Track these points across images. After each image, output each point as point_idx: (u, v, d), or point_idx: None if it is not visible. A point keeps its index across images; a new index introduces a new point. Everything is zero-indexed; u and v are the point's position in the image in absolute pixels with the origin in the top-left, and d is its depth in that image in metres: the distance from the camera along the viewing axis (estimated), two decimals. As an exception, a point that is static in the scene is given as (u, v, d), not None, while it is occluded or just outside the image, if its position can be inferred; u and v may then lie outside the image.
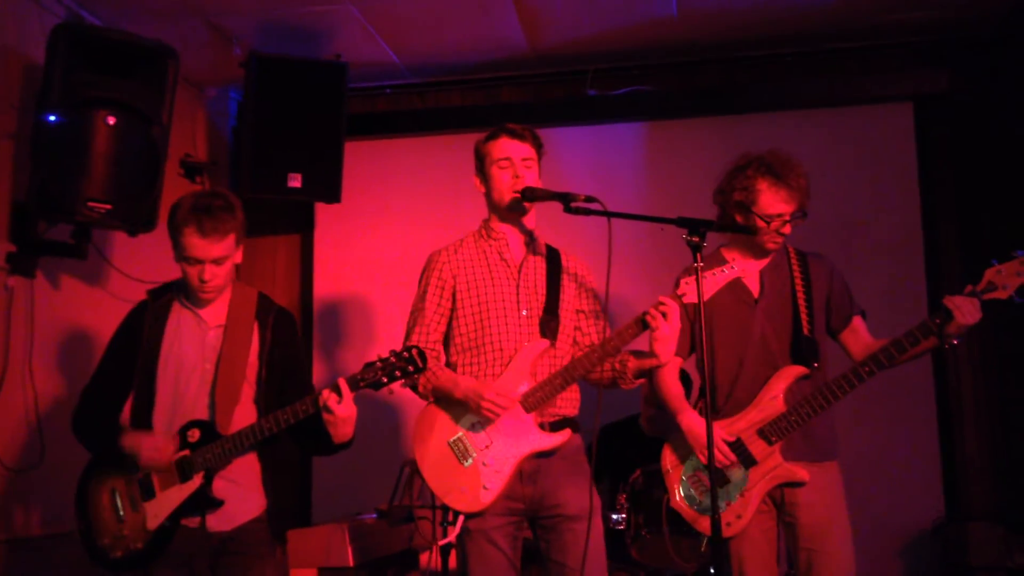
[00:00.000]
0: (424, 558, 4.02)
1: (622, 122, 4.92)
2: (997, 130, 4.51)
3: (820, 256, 3.12)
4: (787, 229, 2.99)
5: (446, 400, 2.86)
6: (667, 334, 2.71)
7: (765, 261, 3.06)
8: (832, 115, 4.68)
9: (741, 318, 3.02)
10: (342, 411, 2.65)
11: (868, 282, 3.80)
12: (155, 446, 2.71)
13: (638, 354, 2.86)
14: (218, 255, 2.77)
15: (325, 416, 2.66)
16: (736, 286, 2.96)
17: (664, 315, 2.68)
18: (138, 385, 2.81)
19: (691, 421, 2.99)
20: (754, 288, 3.05)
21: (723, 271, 2.71)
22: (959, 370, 4.47)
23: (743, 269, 2.77)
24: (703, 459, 2.92)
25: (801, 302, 3.00)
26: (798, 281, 3.04)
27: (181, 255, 2.78)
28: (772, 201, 2.95)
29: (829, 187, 4.41)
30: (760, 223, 2.96)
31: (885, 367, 2.86)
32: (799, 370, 2.94)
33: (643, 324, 2.72)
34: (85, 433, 2.85)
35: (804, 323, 2.98)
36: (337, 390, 2.64)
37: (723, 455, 2.91)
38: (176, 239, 2.77)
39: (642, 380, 2.96)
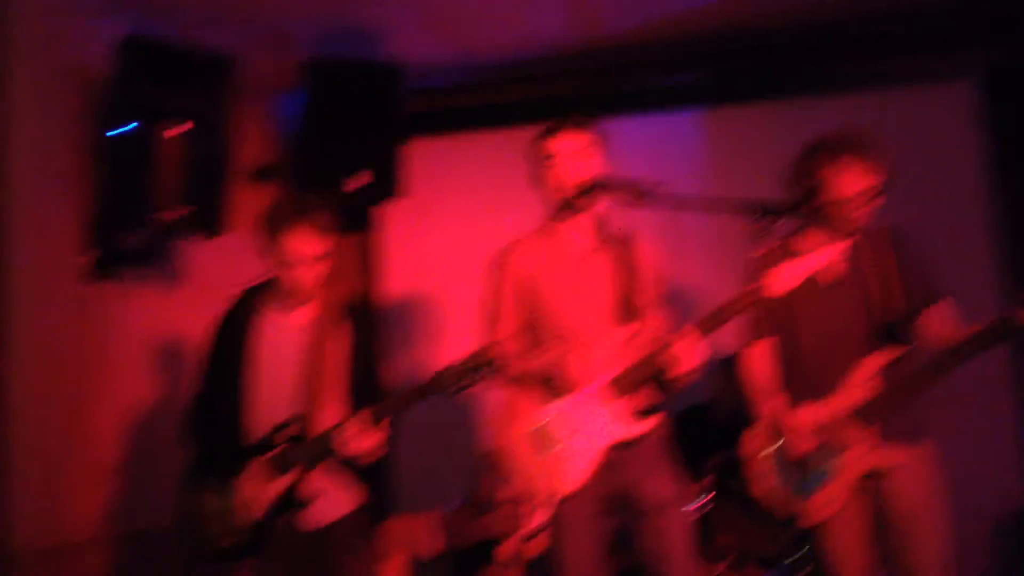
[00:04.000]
0: (509, 546, 4.04)
1: (681, 110, 4.90)
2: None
3: (903, 233, 3.03)
4: (868, 208, 2.91)
5: (527, 389, 2.88)
6: (684, 371, 2.70)
7: (846, 243, 3.00)
8: (895, 95, 4.61)
9: (821, 304, 2.98)
10: (355, 446, 2.72)
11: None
12: (255, 479, 2.80)
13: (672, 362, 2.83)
14: (322, 252, 2.84)
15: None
16: (816, 272, 2.93)
17: (677, 356, 2.67)
18: (232, 388, 2.88)
19: (775, 407, 2.97)
20: (835, 271, 3.01)
21: (802, 261, 2.66)
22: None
23: (822, 254, 2.73)
24: (788, 445, 2.90)
25: (886, 282, 2.95)
26: (881, 260, 2.98)
27: (285, 255, 2.83)
28: (851, 180, 2.87)
29: (893, 172, 4.37)
30: (838, 205, 2.90)
31: (963, 364, 2.77)
32: (889, 352, 2.89)
33: (662, 354, 2.70)
34: (197, 442, 2.94)
35: (890, 304, 2.94)
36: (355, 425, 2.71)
37: (808, 441, 2.89)
38: (276, 241, 2.83)
39: (694, 380, 2.93)
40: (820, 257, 2.67)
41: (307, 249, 2.82)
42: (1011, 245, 4.46)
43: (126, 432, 3.78)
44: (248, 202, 3.65)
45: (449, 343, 4.75)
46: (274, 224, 2.85)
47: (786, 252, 2.70)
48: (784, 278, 2.62)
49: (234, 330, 2.92)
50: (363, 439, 2.70)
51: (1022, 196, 4.51)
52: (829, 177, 2.90)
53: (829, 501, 2.89)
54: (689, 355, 2.69)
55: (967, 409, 4.26)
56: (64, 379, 3.44)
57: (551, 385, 2.84)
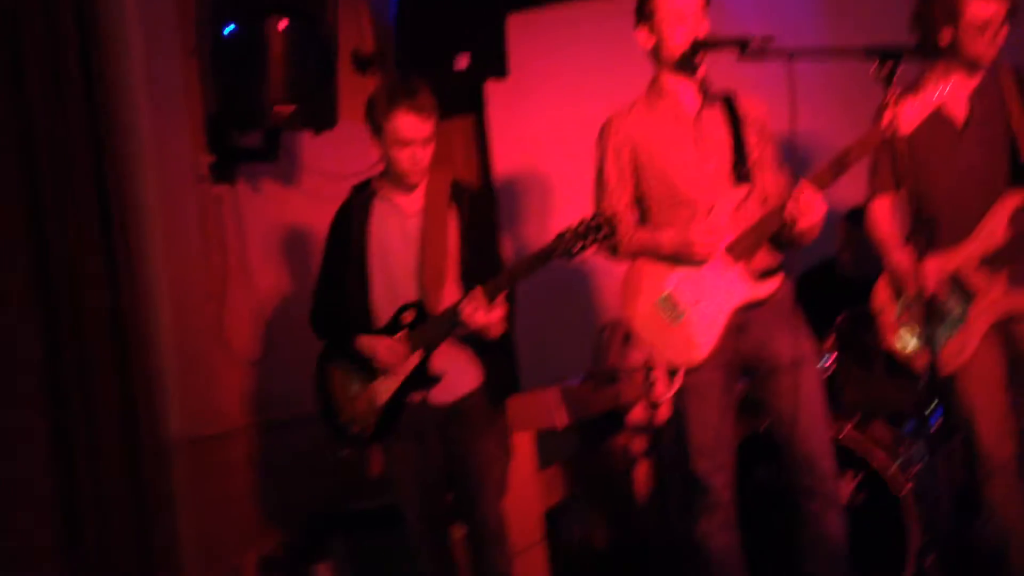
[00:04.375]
0: (633, 415, 4.12)
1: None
2: None
3: None
4: (1001, 36, 2.75)
5: (650, 260, 2.86)
6: (805, 228, 2.64)
7: (974, 82, 2.85)
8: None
9: (949, 149, 2.86)
10: (478, 319, 2.75)
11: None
12: (391, 349, 2.87)
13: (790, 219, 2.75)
14: (428, 134, 2.87)
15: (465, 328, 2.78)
16: (943, 114, 2.79)
17: (798, 210, 2.60)
18: (352, 279, 2.96)
19: (902, 257, 2.89)
20: (962, 114, 2.86)
21: (926, 98, 2.55)
22: None
23: (949, 95, 2.59)
24: (918, 295, 2.82)
25: (1016, 121, 2.80)
26: (1013, 100, 2.82)
27: (391, 139, 2.86)
28: (981, 6, 2.72)
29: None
30: (966, 36, 2.75)
31: None
32: (1021, 195, 2.77)
33: (781, 215, 2.64)
34: (326, 331, 3.06)
35: (1021, 144, 2.79)
36: (472, 300, 2.74)
37: (939, 290, 2.81)
38: (382, 125, 2.87)
39: (814, 237, 2.86)
40: (944, 91, 2.54)
41: (410, 132, 2.84)
42: None
43: (263, 324, 3.95)
44: (357, 92, 3.66)
45: (560, 220, 4.73)
46: (377, 110, 2.88)
47: (909, 94, 2.58)
48: (908, 116, 2.51)
49: (351, 222, 2.99)
50: (488, 312, 2.73)
51: None
52: (955, 6, 2.74)
53: (961, 350, 2.84)
54: (808, 210, 2.62)
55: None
56: (198, 279, 3.59)
57: (670, 259, 2.82)
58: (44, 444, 2.92)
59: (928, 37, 2.84)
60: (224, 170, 3.92)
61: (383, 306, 2.93)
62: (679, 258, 2.81)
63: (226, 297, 3.79)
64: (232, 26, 3.72)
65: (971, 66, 2.82)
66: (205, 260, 3.66)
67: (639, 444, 4.15)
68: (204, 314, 3.61)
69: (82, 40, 3.16)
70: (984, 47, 2.77)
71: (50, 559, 2.90)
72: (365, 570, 3.55)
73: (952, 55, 2.80)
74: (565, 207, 4.81)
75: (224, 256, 3.82)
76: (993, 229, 2.79)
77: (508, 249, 4.93)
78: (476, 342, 2.92)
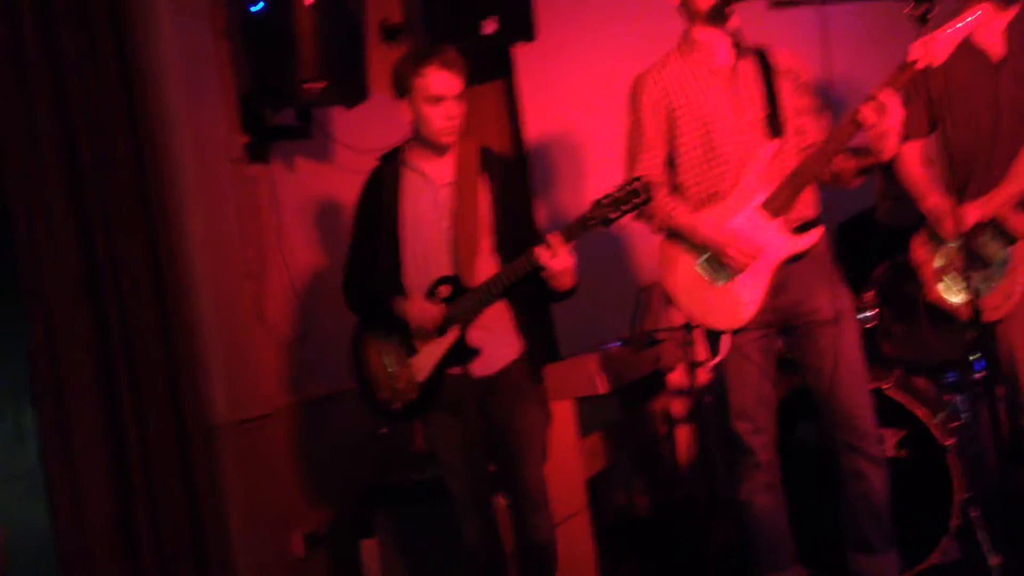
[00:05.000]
0: (673, 378, 4.12)
1: None
2: None
3: None
4: None
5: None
6: (884, 130, 2.59)
7: (1011, 14, 2.76)
8: None
9: (984, 86, 2.80)
10: (557, 264, 2.70)
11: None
12: (423, 311, 2.87)
13: (857, 151, 2.73)
14: (460, 90, 2.85)
15: (542, 273, 2.73)
16: (975, 51, 2.72)
17: (880, 109, 2.53)
18: (384, 250, 2.96)
19: (938, 202, 2.85)
20: (999, 48, 2.79)
21: (958, 25, 2.49)
22: None
23: (983, 28, 2.53)
24: (958, 243, 2.78)
25: None
26: None
27: (423, 97, 2.84)
28: None
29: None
30: None
31: None
32: None
33: (856, 123, 2.57)
34: (358, 304, 3.07)
35: None
36: (549, 245, 2.69)
37: (979, 236, 2.76)
38: (412, 84, 2.85)
39: (864, 178, 2.83)
40: (972, 20, 2.50)
41: (442, 87, 2.83)
42: None
43: (301, 302, 3.98)
44: (384, 65, 3.66)
45: (594, 184, 4.72)
46: (407, 70, 2.87)
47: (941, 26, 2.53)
48: (939, 44, 2.46)
49: (380, 193, 2.98)
50: (562, 257, 2.71)
51: None
52: None
53: (1008, 296, 2.79)
54: (891, 111, 2.56)
55: None
56: (236, 259, 3.61)
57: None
58: (96, 432, 2.97)
59: None
60: (259, 150, 3.95)
61: (416, 278, 2.92)
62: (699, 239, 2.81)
63: (264, 278, 3.82)
64: (260, 3, 3.73)
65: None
66: (243, 241, 3.68)
67: (680, 407, 4.16)
68: (244, 296, 3.64)
69: (115, 26, 3.18)
70: None
71: (107, 544, 2.96)
72: (411, 543, 3.60)
73: None
74: (599, 169, 4.78)
75: (261, 236, 3.85)
76: None
77: (542, 214, 4.93)
78: (516, 310, 2.93)
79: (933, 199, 2.90)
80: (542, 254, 2.70)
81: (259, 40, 3.75)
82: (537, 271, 2.75)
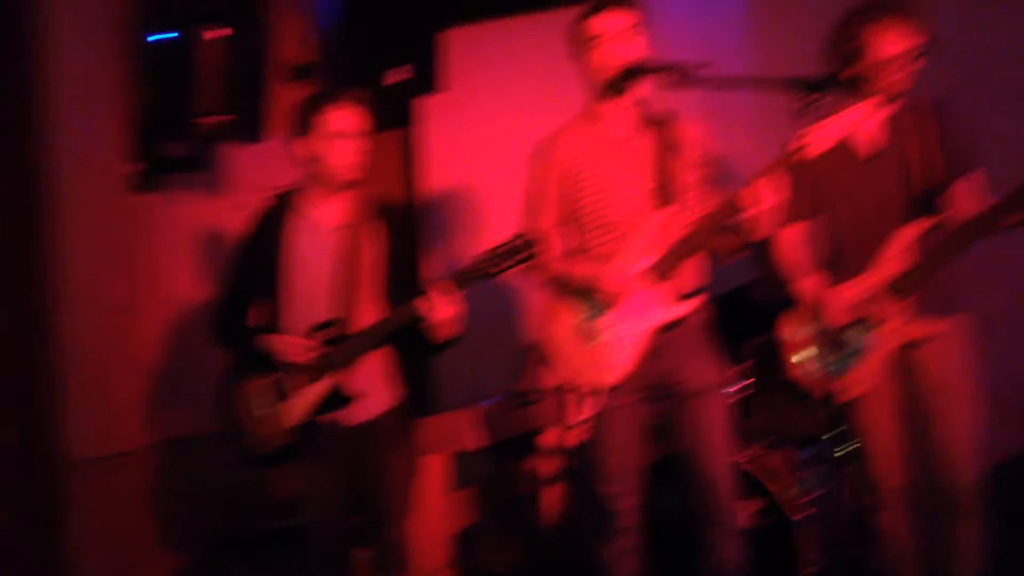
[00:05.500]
0: (547, 438, 4.16)
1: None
2: None
3: (946, 102, 2.95)
4: (911, 70, 2.83)
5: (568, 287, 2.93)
6: (757, 215, 2.69)
7: (885, 112, 2.93)
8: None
9: (853, 178, 2.95)
10: (438, 315, 2.74)
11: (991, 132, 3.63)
12: (295, 345, 2.86)
13: (734, 231, 2.84)
14: (363, 128, 2.88)
15: (424, 322, 2.76)
16: (847, 146, 2.87)
17: (756, 197, 2.66)
18: (264, 290, 2.95)
19: (810, 286, 2.97)
20: (868, 144, 2.95)
21: (837, 125, 2.63)
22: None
23: (859, 125, 2.68)
24: (825, 323, 2.91)
25: (924, 152, 2.89)
26: (918, 131, 2.91)
27: (323, 133, 2.86)
28: (891, 40, 2.80)
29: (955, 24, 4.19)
30: (879, 68, 2.82)
31: (991, 231, 2.73)
32: (919, 226, 2.85)
33: (732, 206, 2.69)
34: (225, 340, 3.03)
35: (929, 174, 2.88)
36: (433, 296, 2.73)
37: (845, 318, 2.89)
38: (314, 121, 2.86)
39: (738, 258, 2.94)
40: (856, 116, 2.63)
41: (344, 123, 2.84)
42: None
43: (176, 337, 3.91)
44: (286, 104, 3.67)
45: (491, 237, 4.77)
46: (309, 107, 2.88)
47: (823, 119, 2.67)
48: (819, 137, 2.59)
49: (265, 232, 2.97)
50: (447, 306, 2.73)
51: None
52: (869, 38, 2.83)
53: (865, 377, 2.91)
54: (766, 196, 2.67)
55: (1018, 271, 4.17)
56: (113, 289, 3.54)
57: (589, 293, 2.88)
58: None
59: (841, 70, 2.90)
60: (150, 179, 3.90)
61: (295, 321, 2.90)
62: (590, 290, 2.87)
63: (139, 311, 3.75)
64: (164, 34, 3.71)
65: (881, 98, 2.87)
66: (123, 270, 3.62)
67: (549, 467, 4.20)
68: (113, 328, 3.56)
69: (11, 45, 3.12)
70: (895, 80, 2.83)
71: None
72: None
73: (863, 88, 2.86)
74: (495, 223, 4.85)
75: (142, 267, 3.78)
76: (892, 259, 2.86)
77: (434, 265, 4.96)
78: (394, 359, 2.94)
79: (804, 281, 3.02)
80: (423, 305, 2.73)
81: (159, 69, 3.74)
82: (418, 322, 2.77)
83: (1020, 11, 4.23)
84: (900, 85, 2.85)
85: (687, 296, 2.88)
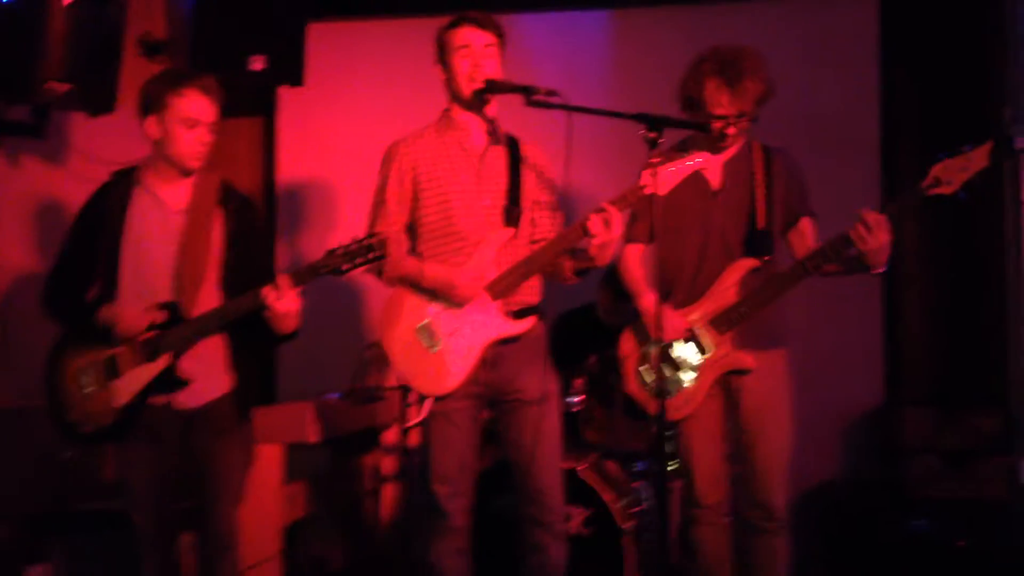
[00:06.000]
0: (386, 436, 4.17)
1: (588, 10, 4.90)
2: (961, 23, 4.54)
3: (784, 152, 3.16)
4: (731, 131, 3.02)
5: (413, 287, 2.94)
6: (605, 241, 2.80)
7: (727, 155, 3.11)
8: (800, 5, 4.69)
9: (700, 210, 3.10)
10: (282, 307, 2.71)
11: (824, 175, 3.88)
12: (133, 317, 2.78)
13: (577, 254, 2.94)
14: (214, 119, 2.83)
15: (266, 312, 2.73)
16: (697, 179, 3.02)
17: (606, 223, 2.76)
18: (102, 268, 2.85)
19: (649, 303, 3.10)
20: (715, 181, 3.12)
21: (684, 164, 2.77)
22: (904, 260, 4.60)
23: (704, 163, 2.82)
24: (656, 344, 3.04)
25: (760, 196, 3.08)
26: (758, 175, 3.10)
27: (176, 118, 2.79)
28: (716, 102, 2.98)
29: (790, 80, 4.45)
30: (715, 119, 3.00)
31: (811, 274, 2.97)
32: (751, 263, 3.05)
33: (584, 230, 2.79)
34: (57, 312, 2.91)
35: (760, 217, 3.07)
36: (278, 286, 2.70)
37: (676, 334, 3.03)
38: (167, 102, 2.79)
39: (579, 279, 3.05)
40: (694, 164, 2.78)
41: (197, 112, 2.79)
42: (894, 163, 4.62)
43: (4, 305, 3.74)
44: (139, 79, 3.55)
45: (342, 232, 4.73)
46: (163, 86, 2.81)
47: (671, 158, 2.80)
48: (664, 178, 2.71)
49: (107, 207, 2.88)
50: (288, 299, 2.69)
51: (908, 114, 4.66)
52: (699, 94, 3.00)
53: (689, 399, 3.08)
54: (614, 226, 2.76)
55: (834, 316, 4.46)
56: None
57: (431, 293, 2.91)
58: None
59: (688, 108, 3.07)
60: (-15, 139, 3.73)
61: (131, 301, 2.82)
62: (440, 294, 2.91)
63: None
64: (12, -5, 3.55)
65: (722, 143, 3.06)
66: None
67: (389, 465, 4.21)
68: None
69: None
70: (729, 132, 3.01)
71: None
72: (85, 575, 3.41)
73: (708, 130, 3.00)
74: (348, 219, 4.84)
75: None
76: (725, 290, 3.05)
77: (285, 255, 4.91)
78: (231, 346, 2.89)
79: (647, 299, 3.15)
80: (268, 294, 2.70)
81: (3, 29, 3.56)
82: (261, 310, 2.74)
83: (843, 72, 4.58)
84: (734, 137, 3.05)
85: (525, 312, 2.95)
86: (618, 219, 2.77)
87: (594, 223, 2.77)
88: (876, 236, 2.81)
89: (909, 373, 4.59)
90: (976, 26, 4.52)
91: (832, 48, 4.65)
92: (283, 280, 2.70)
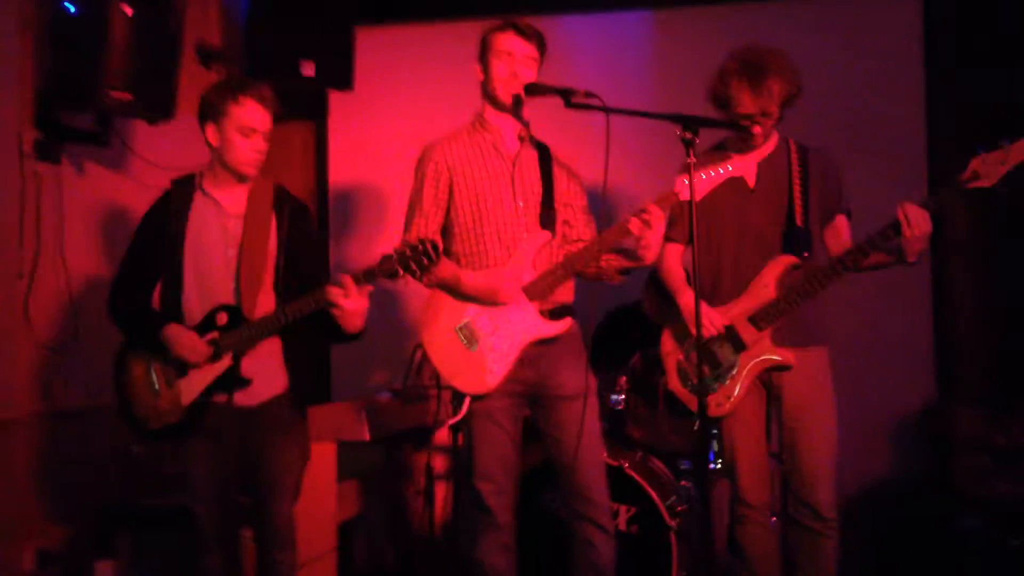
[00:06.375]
0: (437, 435, 4.23)
1: (629, 10, 4.92)
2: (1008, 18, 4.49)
3: (821, 150, 3.18)
4: (756, 130, 3.04)
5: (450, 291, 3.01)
6: (649, 241, 2.84)
7: (763, 153, 3.13)
8: (843, 3, 4.66)
9: (737, 209, 3.14)
10: (349, 305, 2.78)
11: (866, 173, 3.87)
12: (192, 346, 2.87)
13: (625, 254, 2.98)
14: (269, 128, 2.93)
15: (333, 310, 2.80)
16: (734, 178, 3.03)
17: (647, 223, 2.80)
18: (165, 272, 2.96)
19: (688, 301, 3.13)
20: (751, 180, 3.14)
21: (720, 170, 2.81)
22: (951, 258, 4.56)
23: (740, 164, 2.85)
24: (697, 341, 3.06)
25: (797, 193, 3.10)
26: (795, 173, 3.12)
27: (234, 125, 2.89)
28: (740, 102, 3.02)
29: (835, 79, 4.46)
30: (745, 119, 3.03)
31: (850, 270, 2.99)
32: (790, 259, 3.07)
33: (625, 231, 2.83)
34: (122, 320, 3.02)
35: (798, 214, 3.09)
36: (342, 285, 2.77)
37: (713, 327, 3.06)
38: (226, 110, 2.89)
39: (624, 278, 3.08)
40: (730, 167, 2.82)
41: (255, 120, 2.89)
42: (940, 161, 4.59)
43: (73, 309, 3.86)
44: (196, 87, 3.66)
45: (393, 232, 4.83)
46: (222, 95, 2.90)
47: (708, 159, 2.83)
48: (698, 186, 2.75)
49: (169, 213, 2.97)
50: (355, 298, 2.76)
51: (951, 109, 4.62)
52: (727, 94, 3.04)
53: (729, 397, 3.10)
54: (657, 224, 2.81)
55: (881, 310, 4.44)
56: (10, 256, 3.50)
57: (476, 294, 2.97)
58: None
59: (720, 108, 3.10)
60: (50, 149, 3.84)
61: (194, 304, 2.93)
62: (480, 299, 2.97)
63: (37, 278, 3.70)
64: (76, 5, 3.67)
65: (755, 142, 3.08)
66: (19, 237, 3.56)
67: (440, 463, 4.27)
68: (11, 293, 3.50)
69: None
70: (757, 131, 3.05)
71: None
72: (151, 569, 3.51)
73: (741, 129, 3.06)
74: (396, 220, 4.88)
75: (40, 235, 3.73)
76: (764, 287, 3.07)
77: (336, 256, 5.00)
78: (287, 346, 2.98)
79: (686, 297, 3.18)
80: (336, 293, 2.77)
81: (68, 40, 3.70)
82: (323, 310, 2.81)
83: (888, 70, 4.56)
84: (763, 136, 3.07)
85: (558, 315, 3.00)
86: (660, 218, 2.81)
87: (635, 223, 2.81)
88: (919, 225, 2.83)
89: (960, 371, 4.55)
90: (1018, 19, 4.47)
91: (876, 45, 4.62)
92: (347, 280, 2.78)
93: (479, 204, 3.02)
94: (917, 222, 2.83)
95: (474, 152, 3.06)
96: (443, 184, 3.04)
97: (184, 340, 2.88)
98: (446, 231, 3.08)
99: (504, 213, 3.01)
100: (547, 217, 3.03)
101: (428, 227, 3.04)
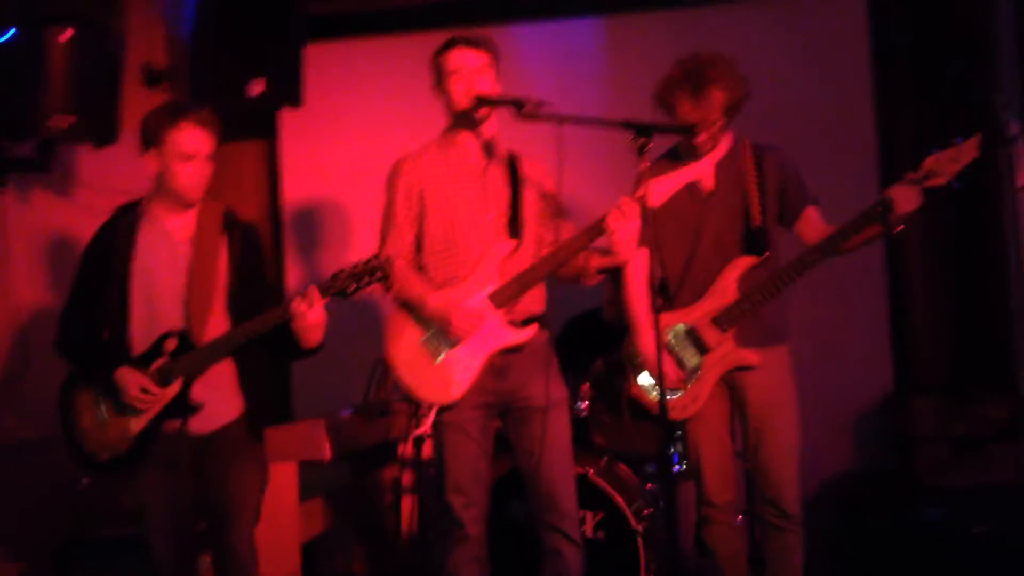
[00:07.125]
0: (401, 449, 4.20)
1: (579, 17, 4.94)
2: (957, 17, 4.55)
3: (774, 148, 3.20)
4: (701, 138, 3.05)
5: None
6: (625, 235, 2.84)
7: (717, 156, 3.14)
8: (791, 6, 4.71)
9: (695, 212, 3.15)
10: (312, 318, 2.76)
11: (820, 172, 3.90)
12: (142, 389, 2.81)
13: (602, 251, 2.98)
14: (210, 150, 2.88)
15: (295, 324, 2.78)
16: (690, 184, 3.06)
17: (623, 213, 2.80)
18: (112, 300, 2.90)
19: (648, 343, 3.14)
20: (707, 183, 3.15)
21: (679, 175, 2.83)
22: (908, 251, 4.61)
23: (697, 169, 2.87)
24: (661, 340, 3.07)
25: (753, 194, 3.11)
26: (751, 173, 3.13)
27: (173, 152, 2.85)
28: (682, 110, 3.02)
29: (789, 81, 4.50)
30: (689, 127, 3.03)
31: (830, 254, 3.01)
32: (750, 260, 3.09)
33: (602, 228, 2.83)
34: (71, 356, 2.96)
35: (756, 214, 3.10)
36: (307, 297, 2.75)
37: (675, 340, 3.08)
38: (164, 138, 2.85)
39: (602, 277, 3.09)
40: (686, 173, 2.85)
41: (194, 145, 2.84)
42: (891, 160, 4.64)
43: (20, 340, 3.79)
44: (142, 109, 3.60)
45: (351, 248, 4.82)
46: (159, 122, 2.86)
47: (661, 168, 2.83)
48: (654, 192, 2.76)
49: (114, 241, 2.92)
50: (317, 310, 2.75)
51: (902, 108, 4.67)
52: (670, 102, 3.05)
53: (694, 399, 3.11)
54: (631, 216, 2.80)
55: (839, 304, 4.47)
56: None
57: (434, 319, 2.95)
58: None
59: (668, 115, 3.10)
60: (-9, 177, 3.79)
61: (142, 331, 2.87)
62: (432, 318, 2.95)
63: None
64: (12, 33, 3.61)
65: (703, 148, 3.09)
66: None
67: (407, 478, 4.25)
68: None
69: None
70: (702, 139, 3.04)
71: None
72: (108, 600, 3.45)
73: (689, 136, 3.06)
74: (354, 236, 4.89)
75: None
76: (725, 289, 3.08)
77: (295, 274, 4.96)
78: (241, 368, 2.94)
79: (647, 338, 3.16)
80: (299, 305, 2.75)
81: (6, 67, 3.64)
82: (280, 327, 2.79)
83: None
84: (710, 142, 3.08)
85: (526, 323, 3.00)
86: (634, 211, 2.81)
87: (612, 219, 2.81)
88: (909, 203, 2.87)
89: (917, 362, 4.60)
90: (965, 16, 4.53)
91: (824, 47, 4.67)
92: (312, 291, 2.76)
93: (450, 217, 3.02)
94: (908, 199, 2.86)
95: (444, 166, 3.06)
96: (415, 198, 3.05)
97: (132, 384, 2.81)
98: (418, 245, 3.07)
99: (475, 227, 3.01)
100: (514, 227, 3.03)
101: (403, 241, 3.04)
